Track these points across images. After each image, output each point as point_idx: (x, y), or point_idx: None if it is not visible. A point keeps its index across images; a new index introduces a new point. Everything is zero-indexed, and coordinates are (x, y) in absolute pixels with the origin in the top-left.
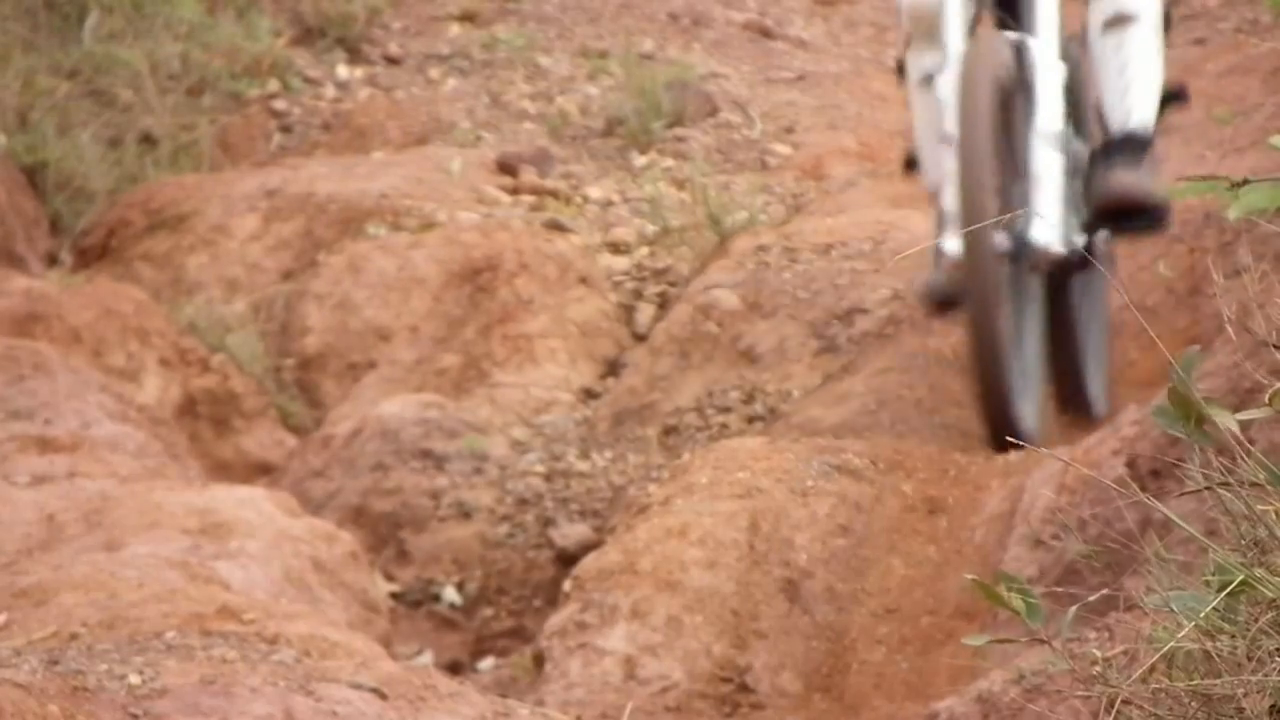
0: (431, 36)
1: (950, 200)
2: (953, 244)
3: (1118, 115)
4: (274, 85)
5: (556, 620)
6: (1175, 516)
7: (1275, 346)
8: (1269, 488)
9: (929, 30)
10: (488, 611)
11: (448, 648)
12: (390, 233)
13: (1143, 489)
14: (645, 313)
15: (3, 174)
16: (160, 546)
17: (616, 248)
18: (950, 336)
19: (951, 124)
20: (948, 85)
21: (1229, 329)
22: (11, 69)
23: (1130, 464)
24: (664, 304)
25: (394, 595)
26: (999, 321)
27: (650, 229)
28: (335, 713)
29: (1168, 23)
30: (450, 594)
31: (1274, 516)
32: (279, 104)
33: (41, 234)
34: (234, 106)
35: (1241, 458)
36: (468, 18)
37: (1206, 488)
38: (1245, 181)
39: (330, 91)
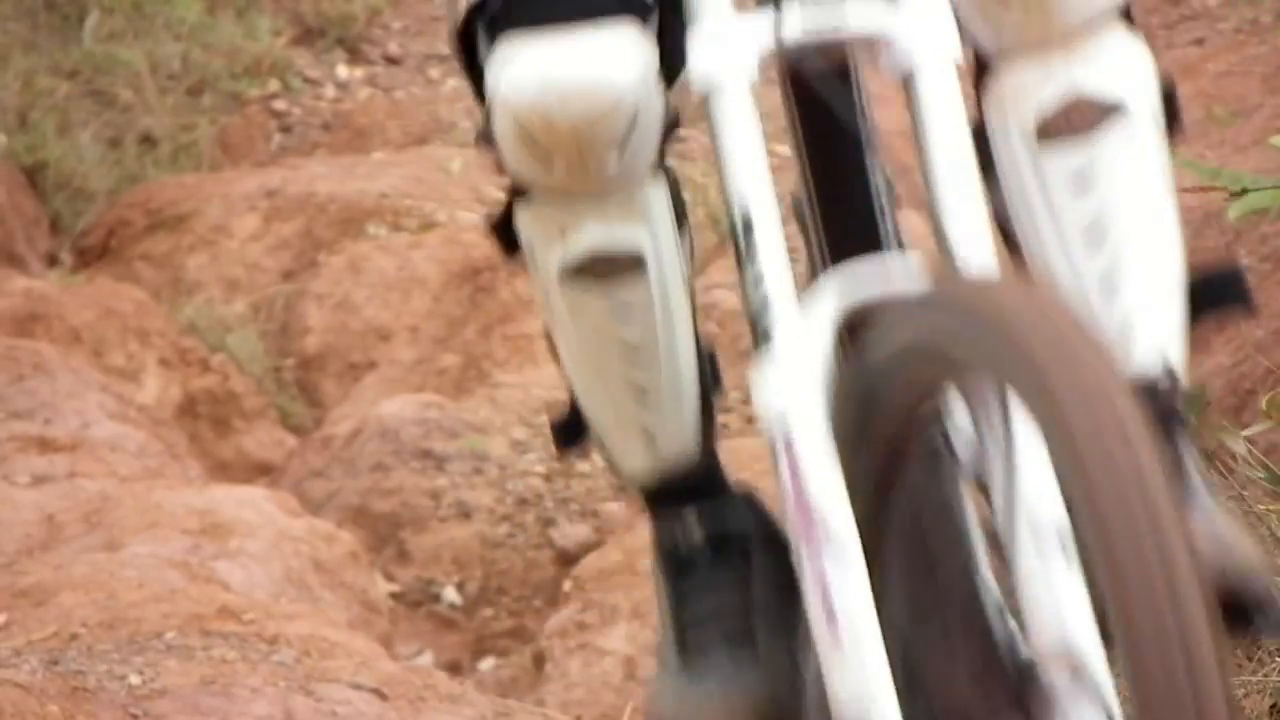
0: (431, 36)
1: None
2: None
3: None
4: (274, 85)
5: (556, 620)
6: None
7: None
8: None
9: (584, 150)
10: (488, 611)
11: (448, 648)
12: (390, 233)
13: None
14: None
15: (3, 174)
16: (160, 546)
17: None
18: None
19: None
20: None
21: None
22: (11, 69)
23: None
24: None
25: (394, 595)
26: None
27: None
28: (335, 713)
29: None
30: (450, 594)
31: (1274, 518)
32: (279, 104)
33: (41, 234)
34: (234, 106)
35: (1241, 458)
36: None
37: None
38: (1245, 191)
39: (330, 91)
